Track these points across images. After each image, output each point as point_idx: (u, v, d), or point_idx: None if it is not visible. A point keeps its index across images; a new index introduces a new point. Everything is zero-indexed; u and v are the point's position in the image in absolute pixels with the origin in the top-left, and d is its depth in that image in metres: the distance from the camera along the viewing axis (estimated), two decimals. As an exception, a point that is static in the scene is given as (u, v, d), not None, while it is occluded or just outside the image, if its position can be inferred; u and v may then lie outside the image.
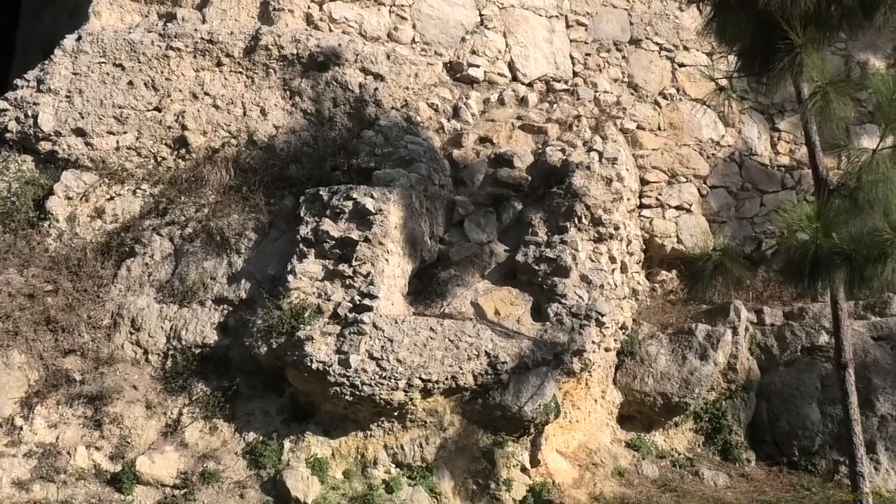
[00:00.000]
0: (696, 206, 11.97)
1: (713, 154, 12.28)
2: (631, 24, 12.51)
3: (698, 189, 12.07)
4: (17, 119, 10.58)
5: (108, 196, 10.35)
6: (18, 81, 10.89)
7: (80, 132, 10.52)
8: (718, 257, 8.17)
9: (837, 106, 7.43)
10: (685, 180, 11.97)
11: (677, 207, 11.83)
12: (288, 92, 10.88)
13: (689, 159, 12.09)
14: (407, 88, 11.04)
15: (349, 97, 10.81)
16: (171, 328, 9.36)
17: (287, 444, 8.73)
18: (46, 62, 10.85)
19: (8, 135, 10.56)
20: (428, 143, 10.59)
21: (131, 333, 9.36)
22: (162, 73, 10.78)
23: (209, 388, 9.01)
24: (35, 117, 10.51)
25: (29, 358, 8.83)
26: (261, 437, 8.81)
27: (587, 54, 12.19)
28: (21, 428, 8.44)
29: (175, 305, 9.48)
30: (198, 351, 9.22)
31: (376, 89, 10.82)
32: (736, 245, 11.12)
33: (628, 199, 10.85)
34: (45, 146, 10.51)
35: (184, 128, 10.62)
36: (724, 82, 8.63)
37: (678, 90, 12.37)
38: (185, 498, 8.25)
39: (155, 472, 8.42)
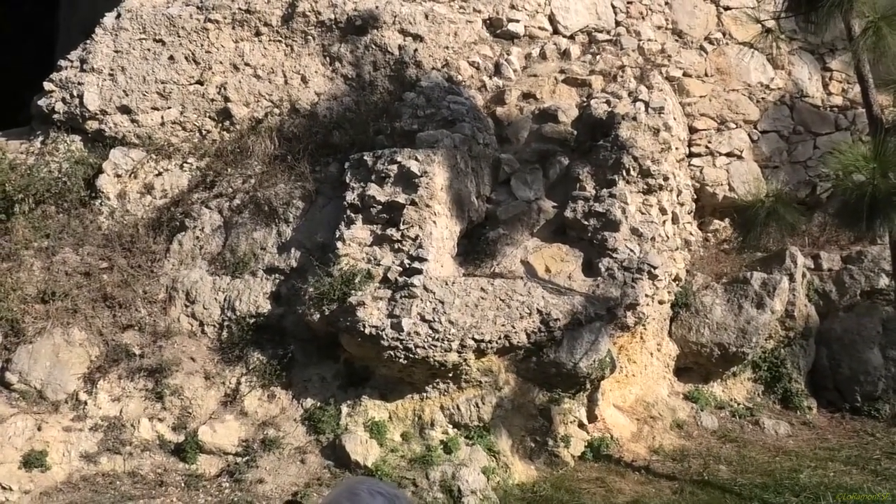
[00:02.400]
0: (748, 152, 11.71)
1: (763, 98, 11.97)
2: (673, -32, 12.18)
3: (749, 134, 11.80)
4: (64, 100, 10.72)
5: (157, 172, 10.47)
6: (62, 62, 11.02)
7: (125, 109, 10.63)
8: (771, 203, 8.02)
9: (891, 41, 7.20)
10: (735, 126, 11.70)
11: (728, 154, 11.57)
12: (327, 58, 10.84)
13: (738, 104, 11.80)
14: (447, 48, 10.92)
15: (389, 60, 10.73)
16: (224, 299, 9.47)
17: (344, 409, 8.80)
18: (88, 41, 10.96)
19: (55, 116, 10.72)
20: (470, 101, 10.48)
21: (186, 306, 9.50)
22: (202, 46, 10.81)
23: (265, 357, 9.11)
24: (80, 97, 10.64)
25: (89, 334, 9.01)
26: (318, 403, 8.90)
27: (629, 2, 11.85)
28: (85, 403, 8.65)
29: (227, 277, 9.58)
30: (252, 321, 9.33)
31: (416, 50, 10.73)
32: (789, 190, 10.89)
33: (677, 149, 10.64)
34: (91, 125, 10.65)
35: (226, 100, 10.67)
36: (771, 23, 8.42)
37: (724, 34, 12.04)
38: (247, 465, 8.38)
39: (217, 441, 8.57)
